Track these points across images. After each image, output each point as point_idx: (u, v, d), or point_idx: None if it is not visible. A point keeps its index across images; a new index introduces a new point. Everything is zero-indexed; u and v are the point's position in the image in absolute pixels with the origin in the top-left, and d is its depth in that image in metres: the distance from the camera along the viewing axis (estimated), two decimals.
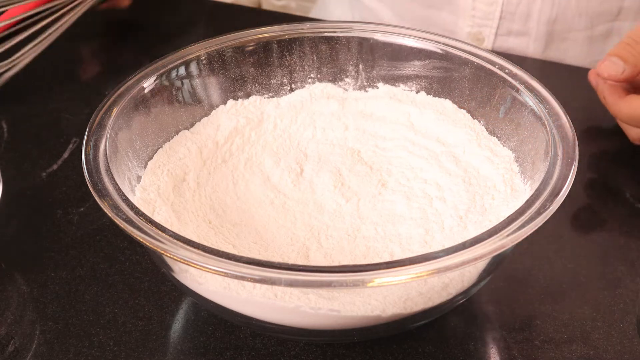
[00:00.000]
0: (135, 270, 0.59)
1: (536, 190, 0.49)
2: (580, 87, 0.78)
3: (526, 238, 0.47)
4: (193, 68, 0.63)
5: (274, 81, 0.66)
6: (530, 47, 0.89)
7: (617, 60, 0.68)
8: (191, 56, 0.62)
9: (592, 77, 0.72)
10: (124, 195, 0.49)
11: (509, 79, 0.59)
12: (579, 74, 0.82)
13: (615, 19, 0.88)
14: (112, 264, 0.60)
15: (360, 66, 0.66)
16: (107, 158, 0.52)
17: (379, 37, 0.65)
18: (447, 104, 0.64)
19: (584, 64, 0.89)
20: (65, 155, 0.70)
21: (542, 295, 0.57)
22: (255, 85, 0.65)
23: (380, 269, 0.44)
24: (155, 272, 0.59)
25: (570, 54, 0.90)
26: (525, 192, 0.56)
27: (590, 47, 0.90)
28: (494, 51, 0.62)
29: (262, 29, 0.65)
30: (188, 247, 0.46)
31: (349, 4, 1.00)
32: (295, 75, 0.66)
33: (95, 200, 0.49)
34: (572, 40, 0.89)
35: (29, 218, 0.64)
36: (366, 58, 0.65)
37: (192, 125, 0.63)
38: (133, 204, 0.49)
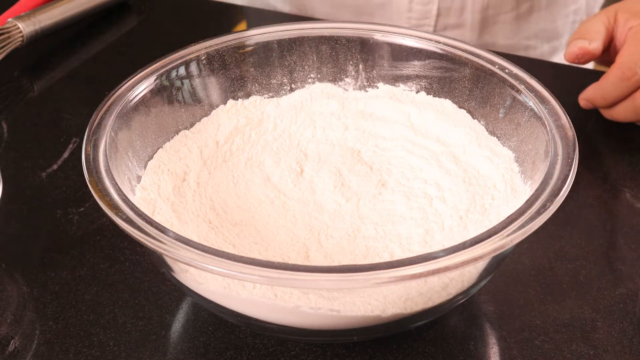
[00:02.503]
0: (135, 270, 0.59)
1: (536, 190, 0.49)
2: (580, 87, 0.78)
3: (526, 238, 0.47)
4: (193, 68, 0.63)
5: (274, 81, 0.66)
6: (466, 37, 0.90)
7: (579, 40, 0.70)
8: (191, 56, 0.62)
9: (583, 101, 0.72)
10: (124, 195, 0.49)
11: (509, 79, 0.59)
12: (579, 74, 0.82)
13: None
14: (112, 264, 0.60)
15: (360, 66, 0.66)
16: (107, 158, 0.52)
17: (379, 37, 0.65)
18: (447, 104, 0.64)
19: (512, 42, 0.92)
20: (65, 155, 0.70)
21: (542, 295, 0.57)
22: (255, 85, 0.65)
23: (380, 269, 0.44)
24: (155, 272, 0.59)
25: (501, 36, 0.92)
26: (525, 192, 0.56)
27: (518, 26, 0.92)
28: (494, 51, 0.62)
29: (262, 29, 0.65)
30: (188, 247, 0.46)
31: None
32: (295, 75, 0.66)
33: (95, 200, 0.49)
34: (502, 22, 0.91)
35: (29, 218, 0.64)
36: (366, 58, 0.65)
37: (192, 125, 0.63)
38: (133, 204, 0.49)
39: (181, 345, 0.54)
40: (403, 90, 0.65)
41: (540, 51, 0.95)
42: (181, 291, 0.57)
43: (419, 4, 0.88)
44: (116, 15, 0.91)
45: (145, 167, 0.58)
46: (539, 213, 0.48)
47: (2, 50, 0.79)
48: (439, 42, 0.63)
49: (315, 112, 0.65)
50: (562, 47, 0.97)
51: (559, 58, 0.97)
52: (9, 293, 0.58)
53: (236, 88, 0.65)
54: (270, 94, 0.66)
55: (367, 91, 0.66)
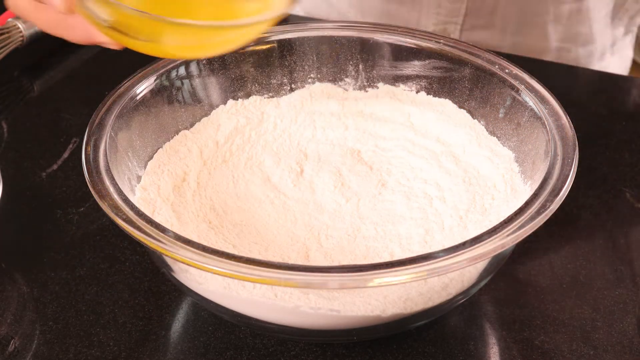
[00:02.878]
0: (135, 270, 0.59)
1: (536, 190, 0.49)
2: (581, 87, 0.78)
3: (526, 238, 0.47)
4: (193, 68, 0.63)
5: (274, 81, 0.66)
6: (495, 39, 0.89)
7: None
8: None
9: None
10: (124, 195, 0.49)
11: (509, 79, 0.59)
12: (579, 74, 0.82)
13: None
14: (112, 264, 0.60)
15: (360, 66, 0.66)
16: (107, 158, 0.52)
17: (379, 37, 0.65)
18: (447, 104, 0.64)
19: (544, 44, 0.89)
20: (65, 155, 0.70)
21: (542, 295, 0.57)
22: (255, 85, 0.65)
23: (380, 269, 0.44)
24: (155, 272, 0.59)
25: (533, 37, 0.89)
26: (525, 192, 0.56)
27: (554, 29, 0.89)
28: (493, 51, 0.62)
29: None
30: (188, 247, 0.46)
31: None
32: (295, 75, 0.66)
33: (95, 200, 0.49)
34: (536, 25, 0.88)
35: (29, 218, 0.64)
36: (366, 58, 0.65)
37: (192, 125, 0.63)
38: (133, 204, 0.49)
39: (181, 345, 0.54)
40: (403, 90, 0.65)
41: (574, 55, 0.92)
42: (181, 291, 0.57)
43: (447, 1, 0.87)
44: None
45: (145, 167, 0.58)
46: (539, 213, 0.48)
47: (2, 50, 0.79)
48: (439, 42, 0.63)
49: (315, 112, 0.65)
50: (598, 52, 0.93)
51: (595, 63, 0.94)
52: (9, 293, 0.58)
53: (236, 88, 0.65)
54: (270, 94, 0.66)
55: (367, 91, 0.66)
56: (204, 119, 0.63)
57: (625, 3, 0.91)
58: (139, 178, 0.57)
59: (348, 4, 0.92)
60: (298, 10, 0.96)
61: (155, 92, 0.60)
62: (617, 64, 0.97)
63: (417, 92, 0.65)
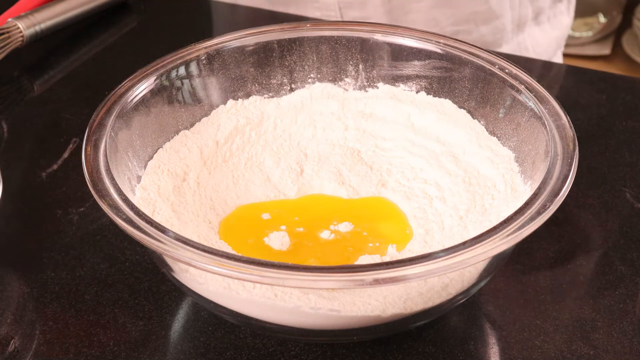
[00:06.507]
0: (135, 270, 0.59)
1: (536, 190, 0.49)
2: (581, 87, 0.78)
3: (526, 238, 0.47)
4: (193, 68, 0.63)
5: (274, 81, 0.66)
6: None
7: None
8: (191, 56, 0.62)
9: None
10: (124, 195, 0.49)
11: (509, 79, 0.59)
12: (579, 74, 0.82)
13: None
14: (112, 264, 0.60)
15: (360, 66, 0.66)
16: (107, 158, 0.52)
17: (379, 37, 0.65)
18: (447, 104, 0.64)
19: (436, 30, 0.84)
20: (65, 155, 0.70)
21: (542, 295, 0.57)
22: (255, 85, 0.65)
23: (380, 269, 0.44)
24: (155, 272, 0.59)
25: (420, 24, 0.86)
26: (525, 192, 0.56)
27: (440, 12, 0.86)
28: (494, 51, 0.62)
29: (262, 28, 0.65)
30: (188, 247, 0.46)
31: None
32: (295, 75, 0.66)
33: (95, 200, 0.49)
34: (416, 12, 0.86)
35: (29, 218, 0.64)
36: (366, 58, 0.65)
37: (192, 125, 0.63)
38: (133, 204, 0.49)
39: (181, 345, 0.54)
40: (403, 90, 0.65)
41: (477, 35, 0.87)
42: (181, 291, 0.57)
43: None
44: (116, 15, 0.90)
45: (145, 167, 0.58)
46: (539, 213, 0.48)
47: (2, 50, 0.79)
48: (439, 42, 0.63)
49: (315, 112, 0.65)
50: (510, 26, 0.88)
51: (510, 38, 0.88)
52: (9, 293, 0.58)
53: (236, 88, 0.65)
54: (270, 94, 0.66)
55: (367, 91, 0.66)
56: (204, 119, 0.63)
57: None
58: (139, 178, 0.57)
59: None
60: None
61: (155, 92, 0.60)
62: (546, 32, 0.93)
63: (417, 92, 0.65)
